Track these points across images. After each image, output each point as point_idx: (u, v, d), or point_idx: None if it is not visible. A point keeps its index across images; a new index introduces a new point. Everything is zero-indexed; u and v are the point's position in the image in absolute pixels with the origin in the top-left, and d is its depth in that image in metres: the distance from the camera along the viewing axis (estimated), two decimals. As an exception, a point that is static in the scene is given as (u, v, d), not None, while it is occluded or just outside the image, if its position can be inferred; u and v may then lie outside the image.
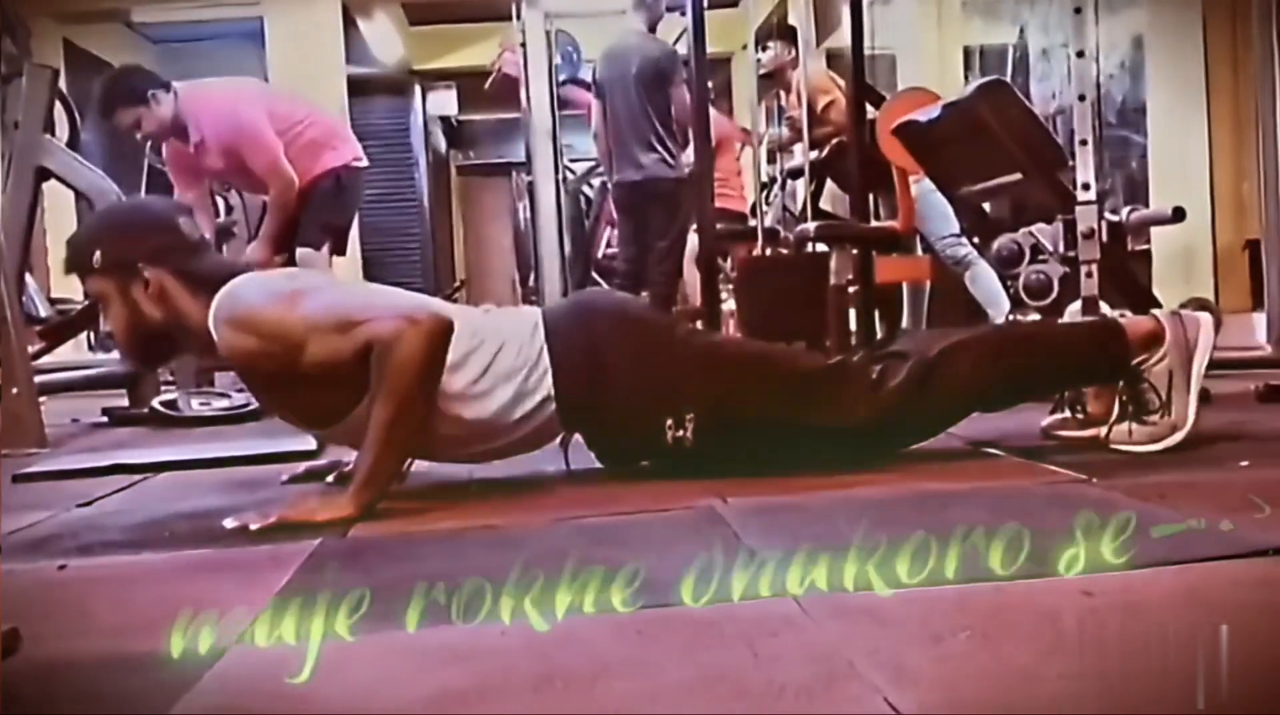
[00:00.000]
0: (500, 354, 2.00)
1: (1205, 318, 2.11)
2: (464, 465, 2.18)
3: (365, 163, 4.30)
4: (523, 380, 2.00)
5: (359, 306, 1.90)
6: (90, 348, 6.61)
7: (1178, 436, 2.04)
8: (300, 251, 4.07)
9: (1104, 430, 2.12)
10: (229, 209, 4.81)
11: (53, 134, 4.07)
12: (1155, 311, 2.18)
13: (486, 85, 6.82)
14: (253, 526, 1.73)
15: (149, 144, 4.32)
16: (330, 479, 2.21)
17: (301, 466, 2.33)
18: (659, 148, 5.15)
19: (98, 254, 1.96)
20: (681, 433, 2.02)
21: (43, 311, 4.83)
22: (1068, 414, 2.29)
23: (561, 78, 6.54)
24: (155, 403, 3.79)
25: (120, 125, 3.93)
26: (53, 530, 1.89)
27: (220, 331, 1.90)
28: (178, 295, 1.96)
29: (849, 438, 2.08)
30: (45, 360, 4.47)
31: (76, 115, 4.38)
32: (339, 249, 4.39)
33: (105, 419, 3.85)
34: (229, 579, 1.48)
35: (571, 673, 1.00)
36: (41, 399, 3.35)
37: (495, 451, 2.08)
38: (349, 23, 8.17)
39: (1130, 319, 2.22)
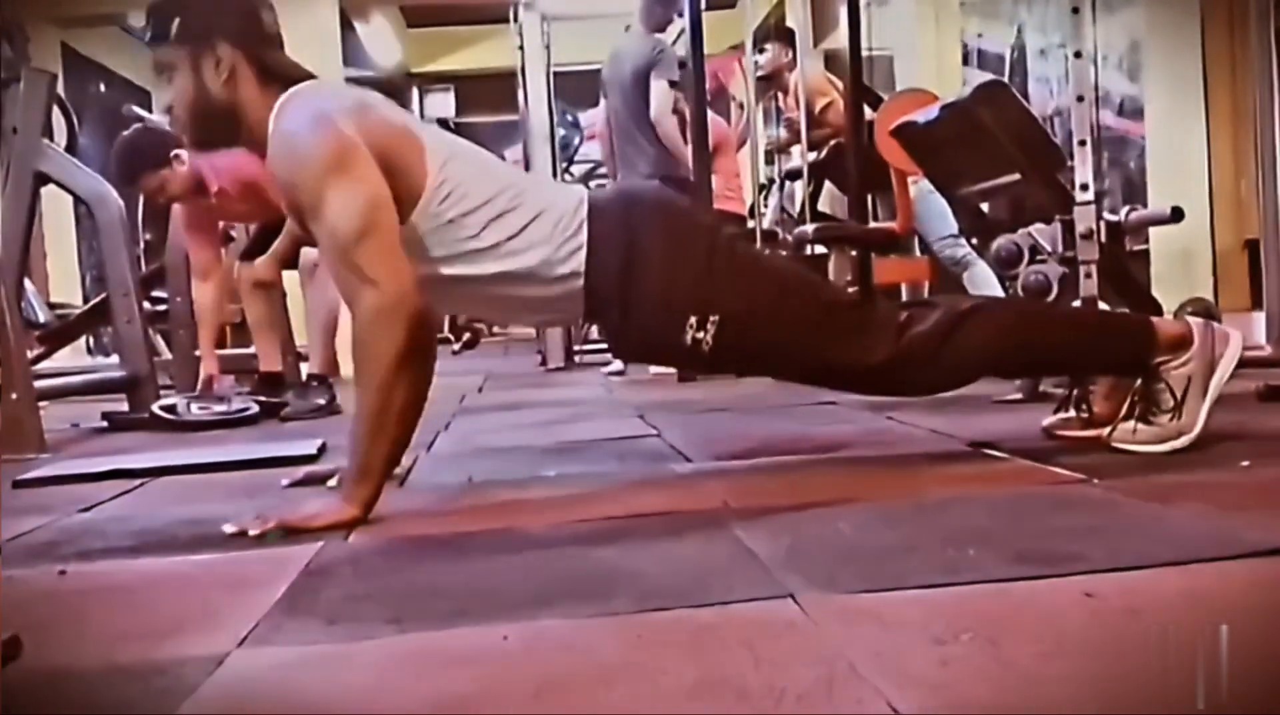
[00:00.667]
0: (538, 220, 1.97)
1: (1236, 334, 2.11)
2: (463, 471, 2.18)
3: None
4: (555, 248, 1.97)
5: (372, 225, 1.81)
6: (89, 352, 6.61)
7: (1183, 441, 2.03)
8: (304, 251, 4.07)
9: (1108, 430, 2.12)
10: (229, 236, 4.78)
11: (51, 139, 4.06)
12: (1189, 318, 2.18)
13: None
14: (253, 531, 1.73)
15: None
16: (331, 483, 2.20)
17: (302, 471, 2.33)
18: (657, 147, 5.15)
19: (177, 21, 1.93)
20: (702, 335, 1.98)
21: (42, 316, 4.84)
22: (1071, 414, 2.29)
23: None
24: (155, 407, 3.78)
25: (145, 191, 3.88)
26: (53, 536, 1.89)
27: (274, 141, 1.87)
28: (246, 81, 1.93)
29: (865, 375, 2.07)
30: (44, 365, 4.47)
31: (75, 120, 4.38)
32: None
33: (105, 424, 3.85)
34: (229, 585, 1.48)
35: (573, 678, 1.00)
36: (41, 404, 3.35)
37: (506, 308, 2.04)
38: (346, 25, 8.17)
39: (1163, 320, 2.22)
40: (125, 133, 4.00)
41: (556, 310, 2.09)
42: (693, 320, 1.98)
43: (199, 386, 3.99)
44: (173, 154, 3.78)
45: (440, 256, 1.94)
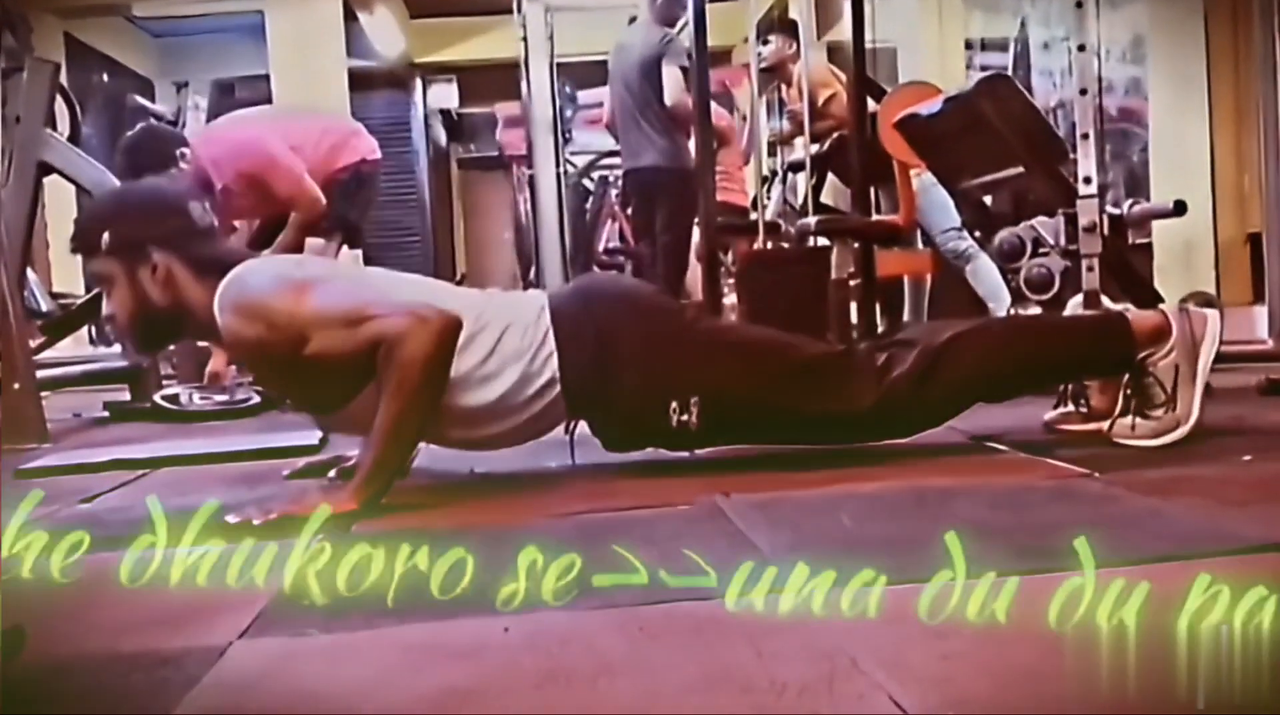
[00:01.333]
0: (505, 336, 2.00)
1: (1212, 314, 2.11)
2: (465, 462, 2.18)
3: (379, 156, 4.30)
4: (528, 362, 2.00)
5: (368, 301, 1.89)
6: (91, 342, 6.61)
7: (1181, 431, 2.03)
8: (310, 241, 4.07)
9: (1107, 424, 2.12)
10: (233, 229, 4.78)
11: (54, 128, 4.05)
12: (1162, 307, 2.18)
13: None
14: (255, 522, 1.73)
15: None
16: (332, 474, 2.21)
17: (302, 461, 2.33)
18: (662, 138, 5.14)
19: (107, 234, 1.95)
20: (686, 417, 2.01)
21: (44, 306, 4.83)
22: (1071, 408, 2.29)
23: (569, 115, 6.62)
24: (157, 397, 3.79)
25: None
26: (55, 526, 1.89)
27: (225, 318, 1.89)
28: (184, 280, 1.95)
29: (853, 425, 2.09)
30: (46, 355, 4.47)
31: (78, 109, 4.37)
32: (353, 242, 4.39)
33: (107, 414, 3.85)
34: (230, 575, 1.47)
35: (574, 670, 1.01)
36: (43, 394, 3.35)
37: (501, 437, 2.07)
38: (349, 16, 8.16)
39: (1137, 313, 2.22)
40: (130, 133, 3.99)
41: (540, 424, 2.08)
42: (674, 405, 2.01)
43: (205, 379, 3.98)
44: (179, 152, 3.78)
45: None
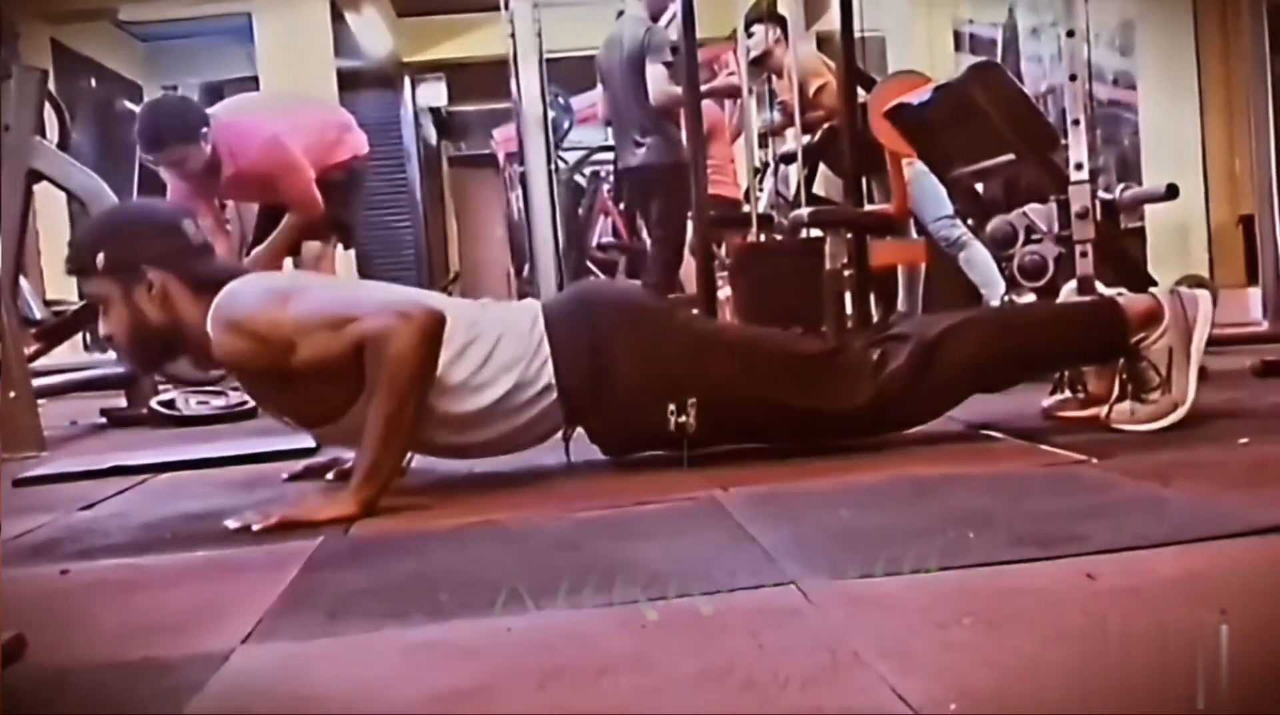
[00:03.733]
0: (500, 345, 2.01)
1: (1204, 295, 2.11)
2: (464, 463, 2.18)
3: (368, 150, 4.29)
4: (523, 370, 2.01)
5: (349, 303, 1.91)
6: (86, 348, 6.60)
7: (1178, 414, 2.04)
8: (307, 244, 4.06)
9: (1104, 410, 2.13)
10: (222, 206, 4.77)
11: (43, 136, 4.04)
12: (1154, 290, 2.19)
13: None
14: (255, 527, 1.73)
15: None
16: (330, 476, 2.21)
17: (301, 464, 2.33)
18: (654, 133, 5.14)
19: (101, 255, 1.96)
20: (684, 419, 2.02)
21: (38, 313, 4.81)
22: (1068, 395, 2.30)
23: (565, 125, 6.63)
24: (153, 403, 3.78)
25: (167, 160, 3.82)
26: (54, 534, 1.89)
27: (216, 335, 1.91)
28: (180, 298, 1.96)
29: (850, 422, 2.09)
30: (41, 362, 4.46)
31: (67, 116, 4.36)
32: (348, 243, 4.38)
33: (104, 420, 3.85)
34: (232, 581, 1.48)
35: (577, 668, 1.01)
36: (40, 402, 3.35)
37: (496, 442, 2.07)
38: (337, 16, 8.15)
39: (1129, 298, 2.22)
40: (155, 99, 3.95)
41: (537, 429, 2.09)
42: (671, 407, 2.02)
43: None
44: (202, 130, 3.74)
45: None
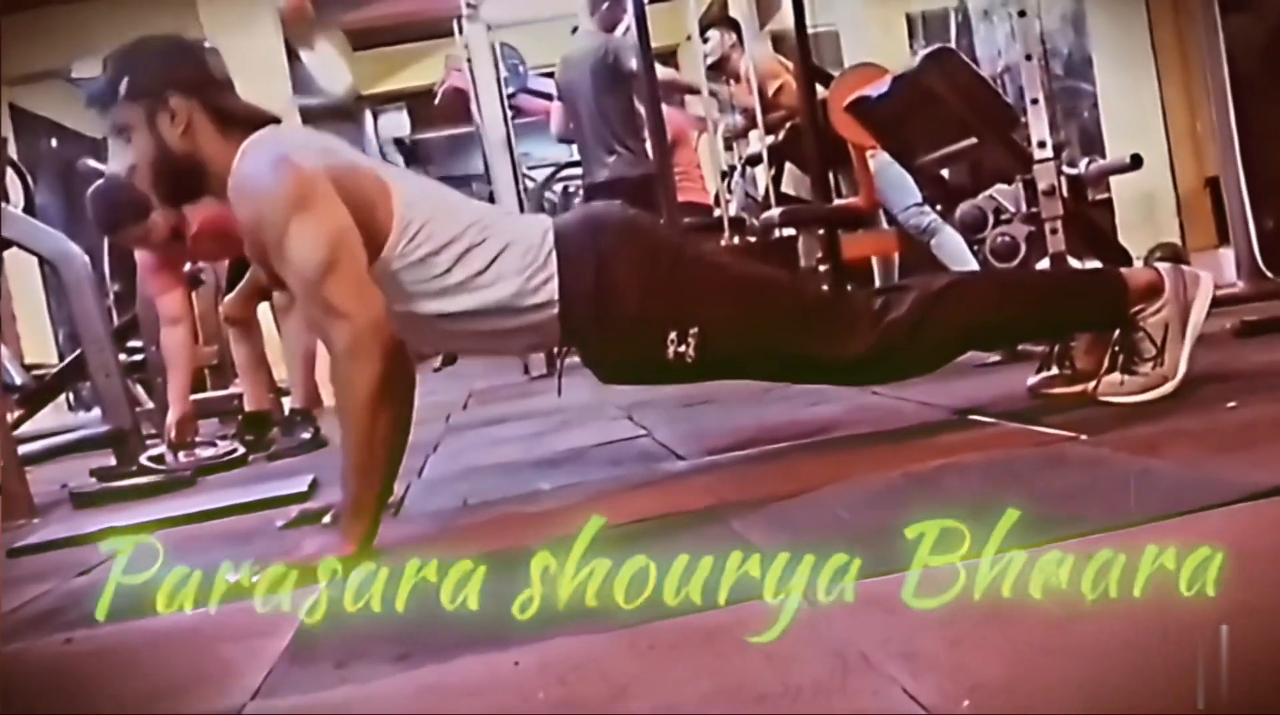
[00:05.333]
0: (506, 252, 1.99)
1: (1206, 275, 2.13)
2: (456, 496, 2.18)
3: None
4: (526, 279, 1.99)
5: (337, 283, 1.80)
6: (70, 408, 6.57)
7: (1168, 387, 2.05)
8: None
9: (1093, 383, 2.14)
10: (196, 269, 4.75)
11: (7, 201, 4.02)
12: (1159, 265, 2.20)
13: (436, 102, 6.81)
14: (253, 579, 1.72)
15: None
16: (327, 519, 2.20)
17: (295, 510, 2.32)
18: (620, 147, 5.15)
19: (125, 81, 1.92)
20: (684, 348, 2.00)
21: (18, 379, 4.79)
22: (1055, 371, 2.30)
23: (510, 90, 6.55)
24: (143, 459, 3.76)
25: (129, 239, 3.77)
26: (54, 603, 1.88)
27: (230, 188, 1.87)
28: (205, 131, 1.92)
29: (849, 368, 2.10)
30: (27, 427, 4.43)
31: (29, 180, 4.34)
32: None
33: (94, 481, 3.82)
34: (237, 636, 1.47)
35: (588, 696, 1.01)
36: (27, 468, 3.33)
37: (487, 338, 2.05)
38: (292, 56, 8.13)
39: (1132, 270, 2.24)
40: (101, 182, 3.92)
41: (532, 339, 2.11)
42: (673, 335, 2.00)
43: (169, 431, 3.90)
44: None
45: (412, 294, 1.96)
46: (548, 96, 5.88)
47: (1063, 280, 2.33)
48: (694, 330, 2.00)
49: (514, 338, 2.07)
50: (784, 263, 3.58)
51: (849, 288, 2.20)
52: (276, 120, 1.98)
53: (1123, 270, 2.22)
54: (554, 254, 2.00)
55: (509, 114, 6.50)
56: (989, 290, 2.18)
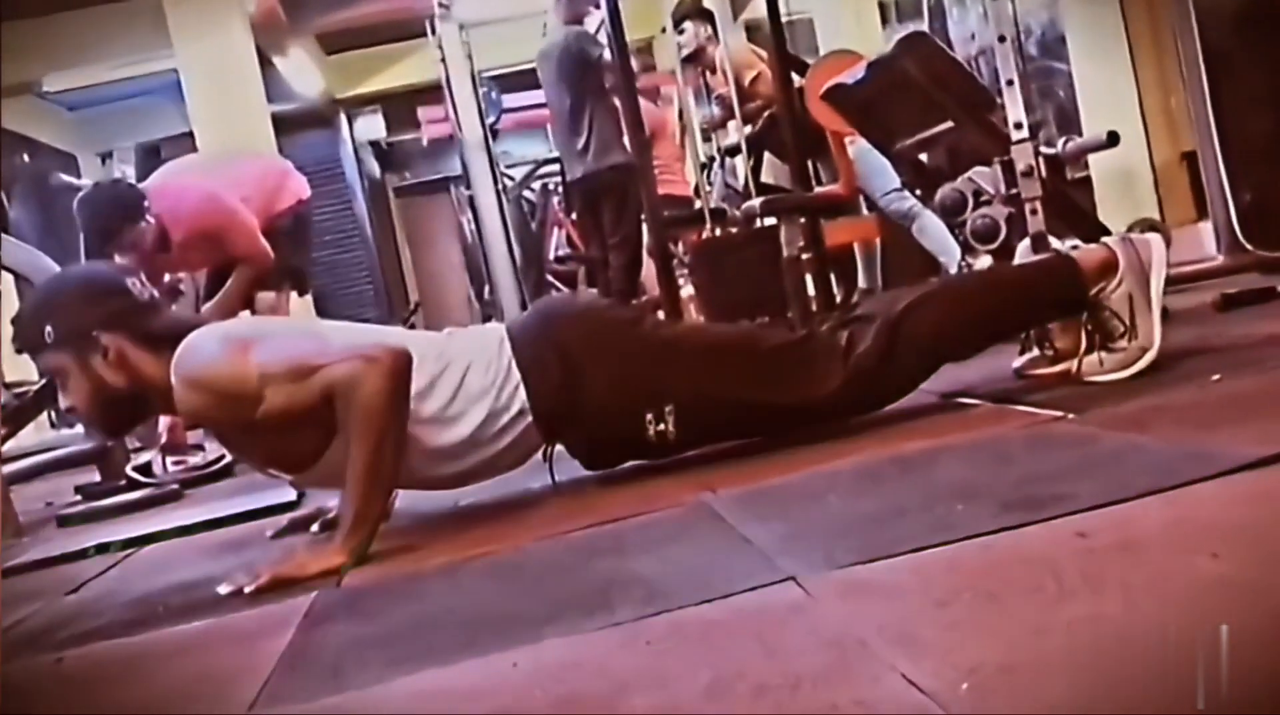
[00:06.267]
0: (469, 374, 2.00)
1: (1155, 238, 2.13)
2: (448, 497, 2.17)
3: (309, 193, 4.27)
4: (495, 398, 2.00)
5: (314, 351, 1.87)
6: (52, 425, 6.52)
7: (1148, 358, 2.06)
8: (260, 295, 4.03)
9: (1074, 364, 2.14)
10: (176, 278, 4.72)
11: (-20, 218, 4.00)
12: (1106, 239, 2.21)
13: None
14: (246, 590, 1.71)
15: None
16: (315, 528, 2.19)
17: (285, 519, 2.31)
18: (596, 139, 5.14)
19: (49, 328, 1.92)
20: (662, 426, 2.02)
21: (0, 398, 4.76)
22: (1036, 353, 2.31)
23: (491, 120, 6.60)
24: (129, 470, 3.74)
25: (121, 247, 3.72)
26: (44, 623, 1.86)
27: (178, 391, 1.88)
28: (138, 358, 1.93)
29: (825, 407, 2.10)
30: (9, 446, 4.40)
31: (2, 197, 4.31)
32: (301, 288, 4.35)
33: (79, 498, 3.80)
34: (231, 648, 1.46)
35: (588, 695, 1.00)
36: (11, 487, 3.30)
37: (477, 472, 2.07)
38: (265, 62, 8.09)
39: (1083, 250, 2.24)
40: (89, 190, 3.89)
41: (516, 453, 2.08)
42: (649, 416, 2.02)
43: (161, 436, 3.89)
44: (144, 204, 3.68)
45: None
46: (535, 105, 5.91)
47: (1016, 277, 2.33)
48: (669, 407, 2.02)
49: (501, 460, 2.07)
50: (767, 252, 3.58)
51: (811, 328, 2.20)
52: (197, 326, 1.97)
53: (1073, 252, 2.23)
54: (514, 363, 2.01)
55: (490, 132, 6.52)
56: (946, 302, 2.18)
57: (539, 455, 2.11)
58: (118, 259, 3.86)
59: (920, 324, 2.09)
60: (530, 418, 2.02)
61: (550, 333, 2.07)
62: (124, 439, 4.01)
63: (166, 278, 4.23)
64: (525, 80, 5.69)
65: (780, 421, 2.12)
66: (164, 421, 3.85)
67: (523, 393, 2.01)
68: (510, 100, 7.98)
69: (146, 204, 3.68)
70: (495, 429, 2.01)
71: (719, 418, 2.07)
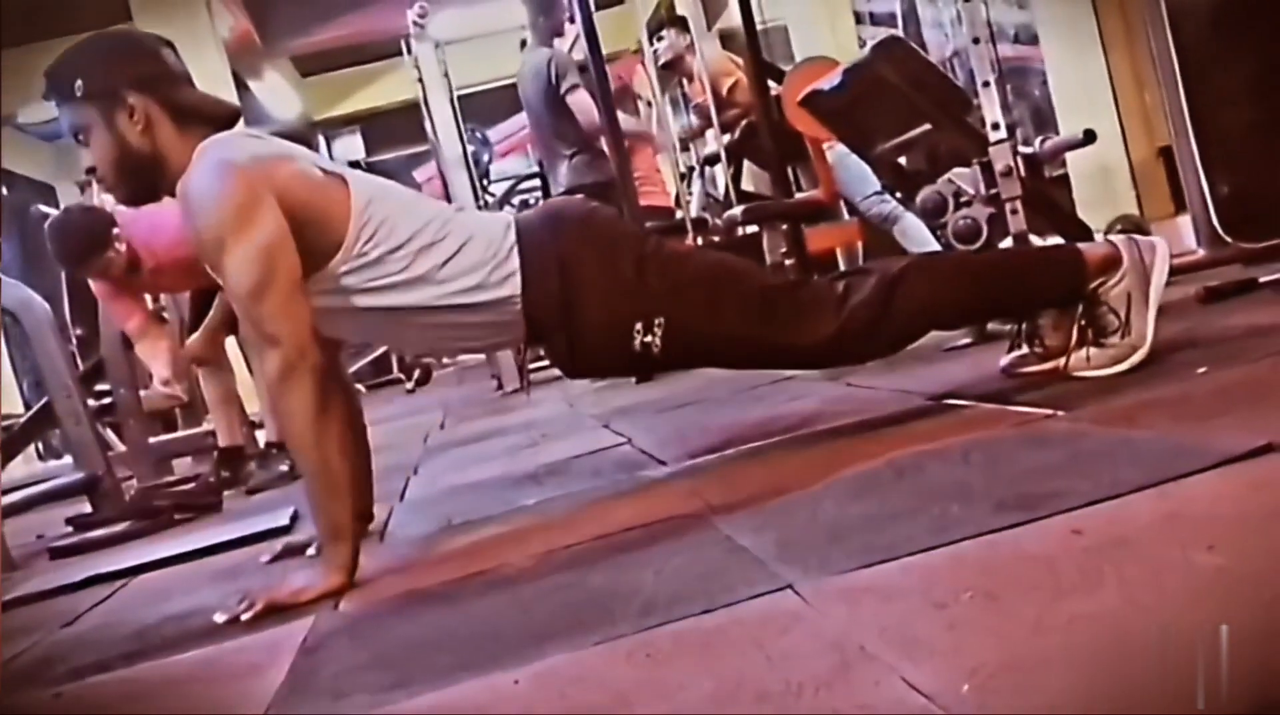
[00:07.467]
0: (466, 247, 1.99)
1: (1160, 242, 2.16)
2: (439, 518, 2.17)
3: None
4: (489, 272, 1.99)
5: (275, 308, 1.80)
6: (40, 457, 6.49)
7: (1138, 356, 2.07)
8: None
9: (1063, 360, 2.15)
10: (155, 299, 4.71)
11: (-38, 254, 3.98)
12: (1113, 238, 2.22)
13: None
14: (244, 617, 1.71)
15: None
16: (310, 552, 2.18)
17: (279, 544, 2.30)
18: (575, 156, 5.16)
19: (80, 82, 1.90)
20: (650, 339, 2.01)
21: (-14, 432, 4.74)
22: (1026, 350, 2.32)
23: (485, 159, 6.64)
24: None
25: (91, 272, 3.74)
26: (41, 656, 1.85)
27: (180, 194, 1.87)
28: (163, 127, 1.91)
29: (814, 353, 2.11)
30: (-2, 481, 4.37)
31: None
32: None
33: (70, 530, 3.78)
34: (231, 677, 1.46)
35: (591, 708, 1.00)
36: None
37: (452, 332, 2.05)
38: (241, 86, 8.10)
39: (1089, 244, 2.26)
40: (59, 214, 3.88)
41: (496, 336, 2.10)
42: (638, 326, 2.00)
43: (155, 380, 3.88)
44: (114, 231, 3.67)
45: (372, 289, 1.95)
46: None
47: (1022, 258, 2.36)
48: (659, 321, 2.01)
49: (477, 332, 2.06)
50: (751, 258, 3.59)
51: (808, 277, 2.20)
52: (237, 112, 1.97)
53: (1080, 246, 2.24)
54: (516, 249, 2.00)
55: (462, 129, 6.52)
56: (949, 270, 2.20)
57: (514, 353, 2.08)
58: (90, 283, 3.87)
59: (918, 285, 2.09)
60: (518, 307, 2.00)
61: (555, 230, 2.06)
62: (113, 470, 3.99)
63: (149, 303, 4.22)
64: (505, 99, 5.69)
65: (766, 359, 2.13)
66: (160, 371, 3.83)
67: (516, 281, 1.99)
68: (494, 133, 8.04)
69: (115, 230, 3.67)
70: (481, 300, 1.99)
71: (705, 342, 2.06)
